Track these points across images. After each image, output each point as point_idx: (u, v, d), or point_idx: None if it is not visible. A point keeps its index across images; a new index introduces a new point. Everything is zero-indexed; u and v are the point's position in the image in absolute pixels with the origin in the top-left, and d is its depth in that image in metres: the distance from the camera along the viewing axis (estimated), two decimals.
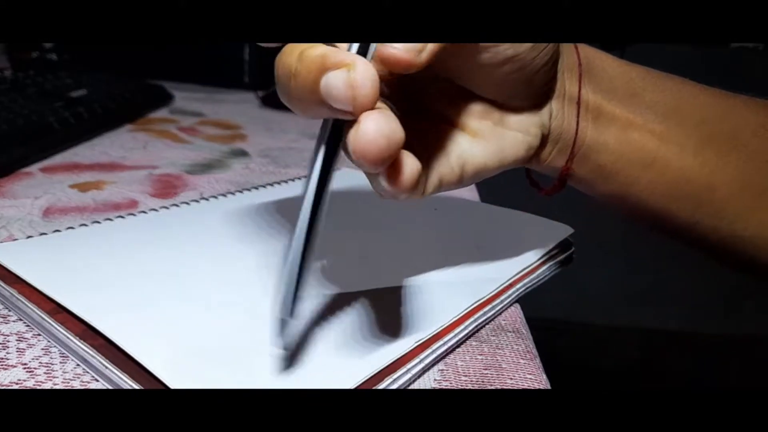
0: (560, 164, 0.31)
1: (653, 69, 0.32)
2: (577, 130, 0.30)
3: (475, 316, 0.30)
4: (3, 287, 0.28)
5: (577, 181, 0.32)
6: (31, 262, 0.29)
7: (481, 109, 0.29)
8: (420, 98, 0.29)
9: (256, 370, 0.24)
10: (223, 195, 0.43)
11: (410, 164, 0.22)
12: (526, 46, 0.26)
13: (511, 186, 0.48)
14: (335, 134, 0.21)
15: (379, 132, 0.20)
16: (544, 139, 0.30)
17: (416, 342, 0.27)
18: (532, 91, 0.28)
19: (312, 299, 0.30)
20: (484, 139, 0.29)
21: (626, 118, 0.30)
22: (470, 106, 0.29)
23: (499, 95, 0.28)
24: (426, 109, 0.29)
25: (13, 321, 0.28)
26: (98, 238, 0.33)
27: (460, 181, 0.29)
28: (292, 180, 0.48)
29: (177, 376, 0.22)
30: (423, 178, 0.26)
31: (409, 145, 0.24)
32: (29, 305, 0.27)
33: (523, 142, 0.29)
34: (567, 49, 0.30)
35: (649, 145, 0.30)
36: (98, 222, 0.35)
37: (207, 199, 0.41)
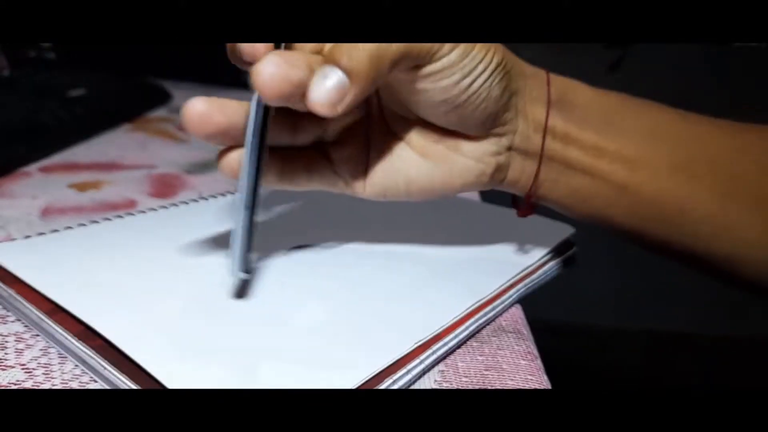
0: (525, 191, 0.32)
1: (632, 96, 0.33)
2: (540, 159, 0.31)
3: (476, 316, 0.30)
4: (1, 287, 0.28)
5: (553, 204, 0.33)
6: (29, 263, 0.29)
7: (435, 133, 0.30)
8: (383, 110, 0.31)
9: (254, 370, 0.24)
10: (222, 195, 0.42)
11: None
12: (457, 90, 0.27)
13: None
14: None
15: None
16: (502, 167, 0.31)
17: (416, 343, 0.27)
18: (479, 125, 0.29)
19: (313, 300, 0.30)
20: (433, 162, 0.30)
21: (597, 145, 0.31)
22: (424, 129, 0.30)
23: (448, 125, 0.29)
24: (386, 122, 0.31)
25: (12, 321, 0.28)
26: (97, 238, 0.33)
27: (407, 196, 0.31)
28: None
29: (175, 377, 0.22)
30: (366, 179, 0.30)
31: (364, 146, 0.30)
32: (27, 305, 0.27)
33: (474, 170, 0.30)
34: (536, 83, 0.31)
35: (620, 171, 0.31)
36: (97, 222, 0.35)
37: (206, 199, 0.41)
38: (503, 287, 0.33)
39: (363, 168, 0.31)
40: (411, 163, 0.30)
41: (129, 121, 0.64)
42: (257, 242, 0.28)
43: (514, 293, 0.33)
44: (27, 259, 0.30)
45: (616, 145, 0.31)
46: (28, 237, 0.33)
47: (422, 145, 0.30)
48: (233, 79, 0.86)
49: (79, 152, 0.53)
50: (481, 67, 0.27)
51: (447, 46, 0.26)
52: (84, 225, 0.35)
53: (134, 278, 0.29)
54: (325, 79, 0.24)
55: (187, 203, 0.40)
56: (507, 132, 0.30)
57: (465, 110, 0.28)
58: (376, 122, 0.31)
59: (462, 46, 0.26)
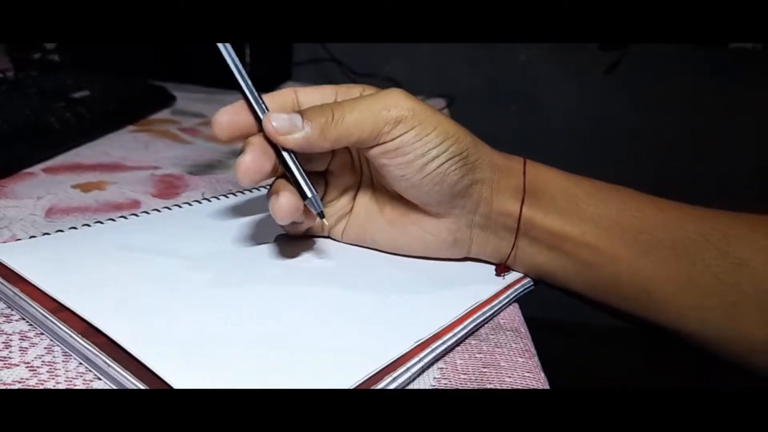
0: (495, 261, 0.35)
1: (602, 182, 0.35)
2: (514, 245, 0.34)
3: (475, 315, 0.30)
4: (6, 286, 0.28)
5: (521, 271, 0.35)
6: (34, 262, 0.30)
7: (402, 205, 0.34)
8: (372, 178, 0.35)
9: (258, 369, 0.24)
10: (225, 195, 0.43)
11: (286, 199, 0.30)
12: (411, 169, 0.31)
13: None
14: None
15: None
16: (462, 241, 0.34)
17: (416, 342, 0.27)
18: (436, 204, 0.32)
19: (313, 300, 0.30)
20: (397, 230, 0.34)
21: (562, 230, 0.33)
22: (395, 200, 0.34)
23: (412, 200, 0.32)
24: (372, 188, 0.35)
25: (16, 320, 0.28)
26: (100, 239, 0.34)
27: (374, 246, 0.35)
28: None
29: (178, 375, 0.23)
30: (345, 230, 0.36)
31: (350, 204, 0.35)
32: (32, 304, 0.27)
33: (432, 242, 0.34)
34: (507, 174, 0.33)
35: (583, 254, 0.33)
36: (100, 222, 0.36)
37: (209, 200, 0.41)
38: (503, 287, 0.33)
39: (345, 221, 0.36)
40: (378, 227, 0.34)
41: (132, 123, 0.65)
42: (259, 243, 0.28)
43: (512, 293, 0.34)
44: (31, 258, 0.30)
45: (580, 230, 0.32)
46: (32, 237, 0.33)
47: (391, 214, 0.34)
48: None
49: (83, 153, 0.53)
50: (434, 152, 0.30)
51: (401, 126, 0.30)
52: (88, 225, 0.35)
53: (138, 278, 0.30)
54: (290, 116, 0.30)
55: (190, 204, 0.40)
56: (466, 213, 0.33)
57: (421, 189, 0.31)
58: (365, 187, 0.35)
59: (416, 130, 0.30)
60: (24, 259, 0.30)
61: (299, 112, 0.30)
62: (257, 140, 0.31)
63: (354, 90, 0.33)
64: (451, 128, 0.31)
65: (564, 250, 0.33)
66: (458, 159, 0.31)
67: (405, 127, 0.30)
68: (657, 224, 0.33)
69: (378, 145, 0.30)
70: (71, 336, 0.25)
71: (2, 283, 0.29)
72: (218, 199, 0.42)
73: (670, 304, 0.32)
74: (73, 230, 0.34)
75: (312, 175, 0.32)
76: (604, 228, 0.32)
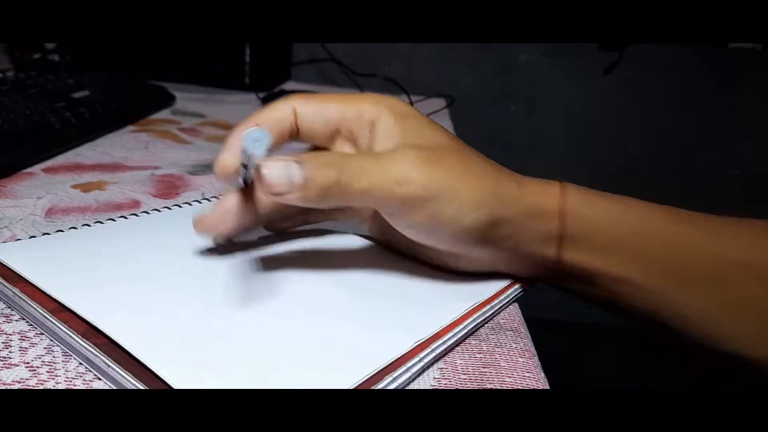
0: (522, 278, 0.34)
1: (646, 207, 0.32)
2: (544, 279, 0.33)
3: (475, 315, 0.30)
4: (6, 287, 0.28)
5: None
6: (34, 262, 0.30)
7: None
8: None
9: (258, 370, 0.24)
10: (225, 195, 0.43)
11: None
12: (421, 237, 0.30)
13: None
14: None
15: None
16: (488, 266, 0.32)
17: (416, 342, 0.27)
18: (456, 256, 0.31)
19: (314, 299, 0.30)
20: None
21: (598, 269, 0.31)
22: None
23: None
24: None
25: (16, 320, 0.28)
26: (101, 238, 0.34)
27: (397, 248, 0.35)
28: None
29: (178, 376, 0.23)
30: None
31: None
32: (32, 304, 0.27)
33: (457, 262, 0.32)
34: (541, 221, 0.30)
35: (620, 288, 0.32)
36: (100, 222, 0.36)
37: (209, 200, 0.41)
38: (502, 287, 0.33)
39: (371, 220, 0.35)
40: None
41: (132, 123, 0.65)
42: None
43: (512, 293, 0.33)
44: (31, 258, 0.30)
45: (618, 269, 0.31)
46: (32, 237, 0.33)
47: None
48: (234, 81, 0.87)
49: (83, 153, 0.53)
50: (450, 230, 0.29)
51: (412, 206, 0.28)
52: (88, 225, 0.35)
53: (138, 278, 0.30)
54: (288, 169, 0.26)
55: (190, 204, 0.40)
56: (490, 255, 0.31)
57: (431, 246, 0.31)
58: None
59: (430, 210, 0.28)
60: (24, 259, 0.30)
61: (297, 161, 0.26)
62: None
63: (364, 106, 0.31)
64: (473, 195, 0.28)
65: (599, 284, 0.32)
66: (478, 229, 0.29)
67: (416, 207, 0.28)
68: (700, 255, 0.31)
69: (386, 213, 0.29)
70: (72, 337, 0.25)
71: (2, 283, 0.29)
72: (218, 198, 0.42)
73: (710, 330, 0.32)
74: (73, 230, 0.34)
75: None
76: (643, 263, 0.31)
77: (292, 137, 0.31)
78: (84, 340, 0.25)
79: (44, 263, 0.30)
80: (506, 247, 0.31)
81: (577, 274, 0.32)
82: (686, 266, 0.31)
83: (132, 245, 0.33)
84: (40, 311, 0.27)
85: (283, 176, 0.25)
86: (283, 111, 0.30)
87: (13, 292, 0.28)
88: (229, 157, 0.30)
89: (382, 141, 0.30)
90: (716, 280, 0.31)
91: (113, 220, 0.36)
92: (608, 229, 0.31)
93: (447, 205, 0.28)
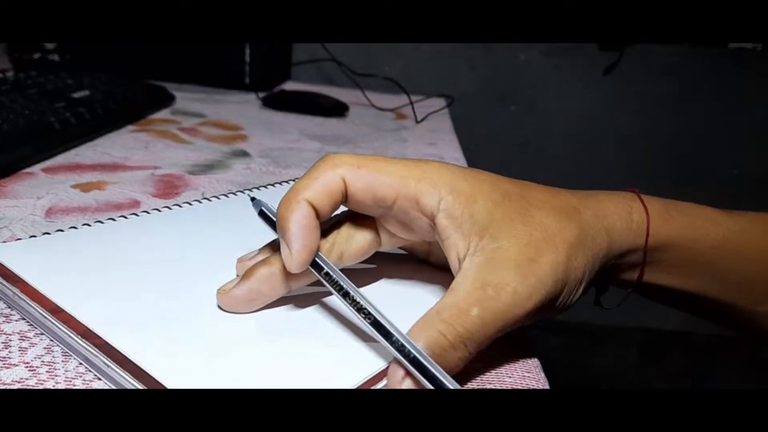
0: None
1: (725, 224, 0.31)
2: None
3: None
4: (5, 286, 0.28)
5: None
6: (33, 263, 0.30)
7: None
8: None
9: (255, 370, 0.24)
10: (225, 195, 0.43)
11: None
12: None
13: None
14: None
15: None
16: None
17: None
18: None
19: (314, 300, 0.30)
20: None
21: (676, 287, 0.31)
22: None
23: None
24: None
25: (16, 320, 0.28)
26: (100, 239, 0.34)
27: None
28: (293, 180, 0.48)
29: (175, 377, 0.23)
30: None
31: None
32: (31, 304, 0.27)
33: None
34: (629, 254, 0.30)
35: (698, 304, 0.32)
36: (101, 222, 0.36)
37: (209, 200, 0.41)
38: None
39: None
40: None
41: (132, 123, 0.65)
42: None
43: None
44: (31, 259, 0.30)
45: (696, 289, 0.31)
46: (32, 237, 0.33)
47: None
48: (234, 81, 0.87)
49: (83, 153, 0.53)
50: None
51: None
52: (88, 225, 0.35)
53: (136, 279, 0.30)
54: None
55: (190, 204, 0.40)
56: None
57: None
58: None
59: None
60: (23, 259, 0.30)
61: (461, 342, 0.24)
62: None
63: (421, 188, 0.27)
64: (567, 277, 0.27)
65: (676, 302, 0.32)
66: (573, 292, 0.28)
67: (537, 313, 0.27)
68: None
69: None
70: (71, 337, 0.25)
71: (2, 283, 0.29)
72: (218, 198, 0.42)
73: None
74: (73, 230, 0.34)
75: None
76: (720, 282, 0.31)
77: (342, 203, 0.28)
78: (84, 340, 0.25)
79: (43, 264, 0.30)
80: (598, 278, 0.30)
81: (653, 294, 0.32)
82: (764, 280, 0.32)
83: (131, 245, 0.33)
84: (40, 311, 0.27)
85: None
86: (332, 182, 0.27)
87: (13, 292, 0.28)
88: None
89: (451, 239, 0.27)
90: None
91: (113, 220, 0.36)
92: (689, 249, 0.31)
93: (570, 293, 0.27)
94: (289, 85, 0.99)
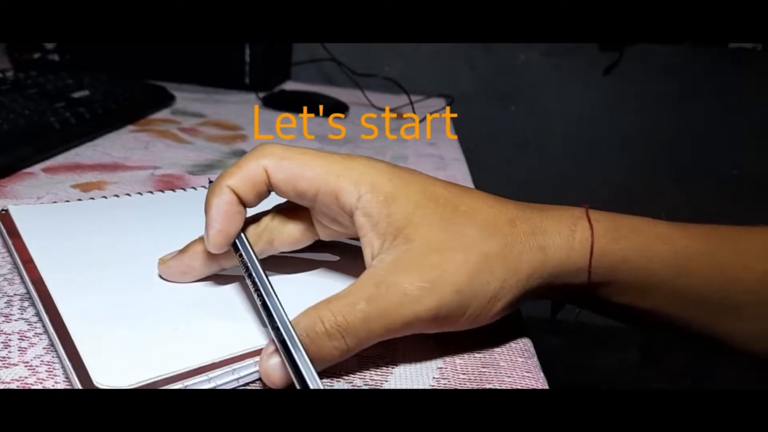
0: None
1: (686, 239, 0.30)
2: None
3: None
4: (7, 239, 0.33)
5: None
6: (35, 225, 0.34)
7: None
8: None
9: (158, 333, 0.26)
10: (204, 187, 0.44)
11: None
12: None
13: (513, 190, 0.48)
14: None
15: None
16: None
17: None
18: None
19: (239, 279, 0.30)
20: None
21: (628, 306, 0.30)
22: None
23: None
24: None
25: (15, 320, 0.28)
26: (104, 214, 0.37)
27: None
28: None
29: (101, 370, 0.23)
30: None
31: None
32: (15, 253, 0.31)
33: None
34: (573, 275, 0.29)
35: (654, 319, 0.31)
36: (117, 196, 0.40)
37: (205, 187, 0.43)
38: None
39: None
40: None
41: (132, 123, 0.65)
42: None
43: None
44: (32, 219, 0.35)
45: (651, 308, 0.30)
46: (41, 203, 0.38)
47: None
48: (234, 81, 0.87)
49: (83, 153, 0.53)
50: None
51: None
52: (105, 198, 0.39)
53: (105, 252, 0.32)
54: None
55: (195, 189, 0.43)
56: None
57: None
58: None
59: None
60: (28, 220, 0.34)
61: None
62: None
63: (341, 185, 0.28)
64: (496, 292, 0.27)
65: (637, 321, 0.31)
66: (510, 307, 0.28)
67: (452, 323, 0.27)
68: (746, 287, 0.30)
69: None
70: (29, 283, 0.29)
71: (6, 236, 0.33)
72: (204, 188, 0.43)
73: (762, 346, 0.31)
74: (79, 202, 0.39)
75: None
76: (677, 301, 0.30)
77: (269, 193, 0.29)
78: (33, 285, 0.28)
79: (43, 228, 0.34)
80: (539, 295, 0.29)
81: (608, 308, 0.31)
82: (731, 294, 0.30)
83: (118, 223, 0.36)
84: (18, 260, 0.31)
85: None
86: (255, 171, 0.28)
87: (10, 245, 0.32)
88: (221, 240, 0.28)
89: (367, 237, 0.27)
90: (762, 306, 0.30)
91: (117, 196, 0.40)
92: (643, 266, 0.29)
93: (480, 306, 0.27)
94: (289, 85, 0.99)
